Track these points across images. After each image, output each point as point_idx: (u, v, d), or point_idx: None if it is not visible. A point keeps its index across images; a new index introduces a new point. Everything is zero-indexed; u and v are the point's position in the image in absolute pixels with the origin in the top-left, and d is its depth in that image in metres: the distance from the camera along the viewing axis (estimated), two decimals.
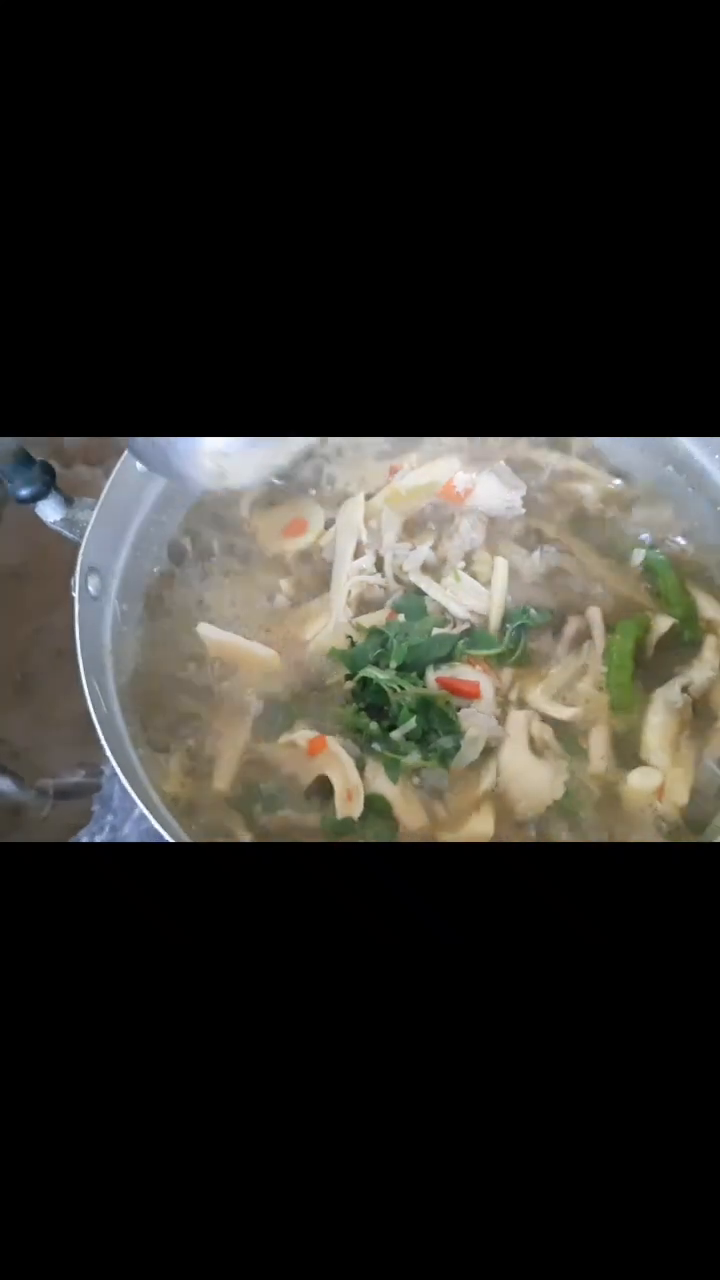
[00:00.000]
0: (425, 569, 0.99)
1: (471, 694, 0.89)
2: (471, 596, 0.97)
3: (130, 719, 0.88)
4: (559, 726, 0.91)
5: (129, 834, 1.12)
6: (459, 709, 0.89)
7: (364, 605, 0.97)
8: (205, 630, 0.93)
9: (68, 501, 0.88)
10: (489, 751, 0.88)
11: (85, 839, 1.12)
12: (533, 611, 0.95)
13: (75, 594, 0.83)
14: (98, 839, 1.12)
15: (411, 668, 0.90)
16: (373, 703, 0.90)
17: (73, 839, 1.11)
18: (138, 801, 0.79)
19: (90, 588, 0.86)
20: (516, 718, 0.89)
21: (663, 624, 0.98)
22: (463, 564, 0.99)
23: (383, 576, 0.98)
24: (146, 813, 0.79)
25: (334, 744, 0.86)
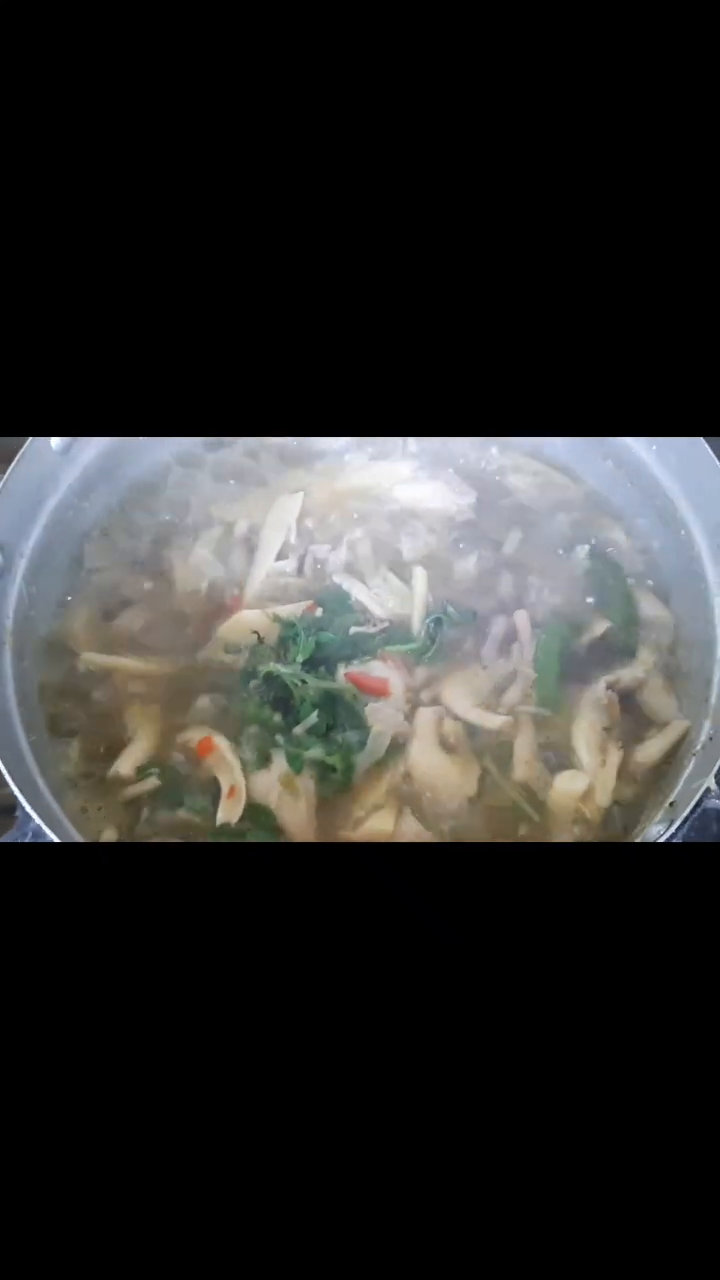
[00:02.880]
0: (350, 570, 1.00)
1: (380, 691, 0.90)
2: (394, 598, 0.97)
3: (28, 702, 0.88)
4: (478, 729, 0.91)
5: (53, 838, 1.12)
6: (366, 704, 0.89)
7: (279, 599, 0.97)
8: (90, 658, 0.94)
9: None
10: (397, 749, 0.88)
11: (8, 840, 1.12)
12: (450, 609, 0.96)
13: None
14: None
15: (320, 663, 0.90)
16: (280, 696, 0.90)
17: None
18: (10, 781, 0.79)
19: None
20: (425, 714, 0.89)
21: (598, 627, 0.97)
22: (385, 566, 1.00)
23: (302, 577, 0.99)
24: (18, 793, 0.80)
25: (220, 742, 0.87)
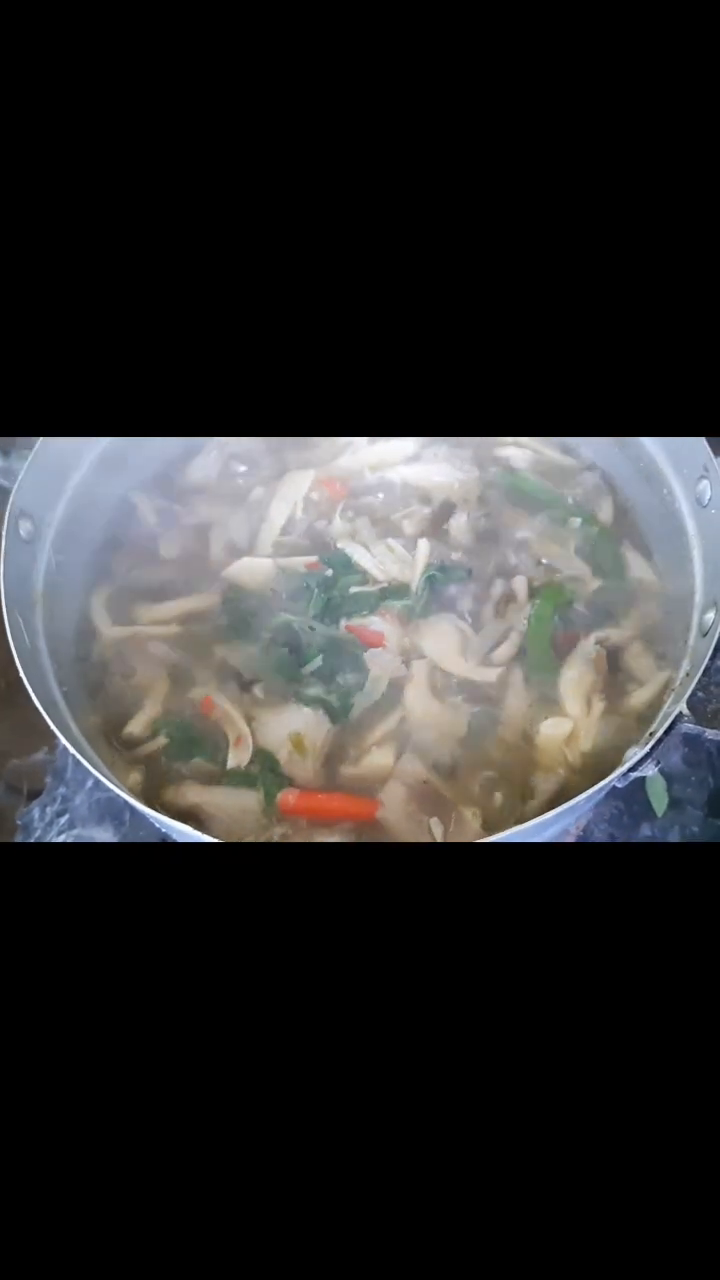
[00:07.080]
0: (354, 538, 1.11)
1: (376, 643, 1.01)
2: (396, 564, 1.08)
3: (59, 657, 0.99)
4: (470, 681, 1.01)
5: (80, 804, 1.22)
6: (366, 652, 1.00)
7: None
8: (110, 631, 1.05)
9: (4, 452, 1.01)
10: (395, 694, 0.98)
11: (36, 810, 1.22)
12: (445, 566, 1.07)
13: (4, 533, 0.95)
14: (49, 810, 1.23)
15: (325, 615, 1.02)
16: (288, 644, 1.01)
17: (24, 809, 1.22)
18: (56, 732, 0.88)
19: (22, 531, 0.98)
20: (420, 664, 1.00)
21: (589, 590, 1.07)
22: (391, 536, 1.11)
23: (307, 541, 1.11)
24: (65, 742, 0.88)
25: (220, 700, 0.99)
